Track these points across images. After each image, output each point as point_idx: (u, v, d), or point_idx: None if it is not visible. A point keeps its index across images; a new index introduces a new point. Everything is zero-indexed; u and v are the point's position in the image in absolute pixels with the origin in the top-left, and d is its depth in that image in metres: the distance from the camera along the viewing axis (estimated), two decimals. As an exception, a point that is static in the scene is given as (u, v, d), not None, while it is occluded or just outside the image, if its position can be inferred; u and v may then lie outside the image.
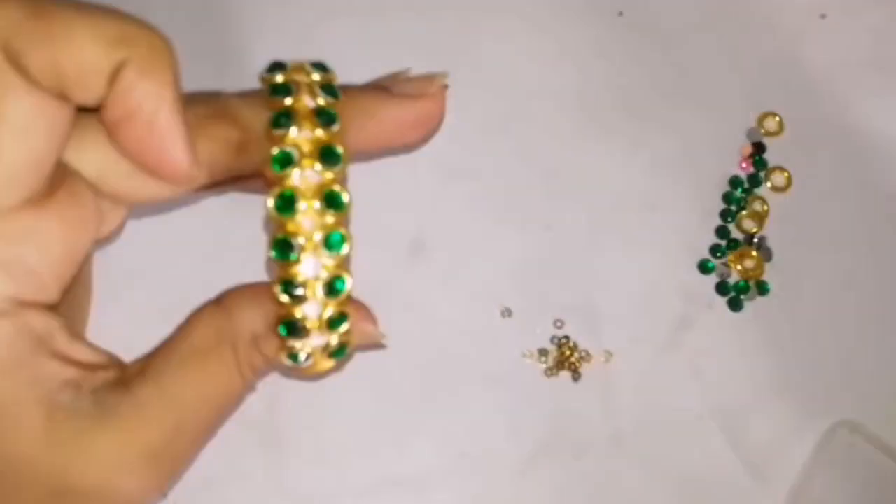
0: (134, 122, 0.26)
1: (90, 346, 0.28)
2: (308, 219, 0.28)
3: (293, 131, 0.28)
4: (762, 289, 0.37)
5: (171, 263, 0.36)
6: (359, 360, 0.36)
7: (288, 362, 0.30)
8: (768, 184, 0.38)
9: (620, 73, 0.39)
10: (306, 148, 0.29)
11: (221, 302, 0.30)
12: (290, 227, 0.28)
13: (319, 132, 0.29)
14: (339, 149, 0.29)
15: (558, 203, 0.38)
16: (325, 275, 0.29)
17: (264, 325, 0.30)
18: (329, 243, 0.29)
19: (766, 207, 0.38)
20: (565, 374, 0.36)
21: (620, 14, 0.40)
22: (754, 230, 0.38)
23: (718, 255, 0.38)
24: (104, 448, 0.27)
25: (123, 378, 0.28)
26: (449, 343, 0.36)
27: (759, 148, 0.38)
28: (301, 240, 0.28)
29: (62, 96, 0.25)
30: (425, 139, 0.34)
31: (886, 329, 0.37)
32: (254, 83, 0.32)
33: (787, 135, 0.39)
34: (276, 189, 0.28)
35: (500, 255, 0.37)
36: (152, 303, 0.35)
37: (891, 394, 0.36)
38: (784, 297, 0.37)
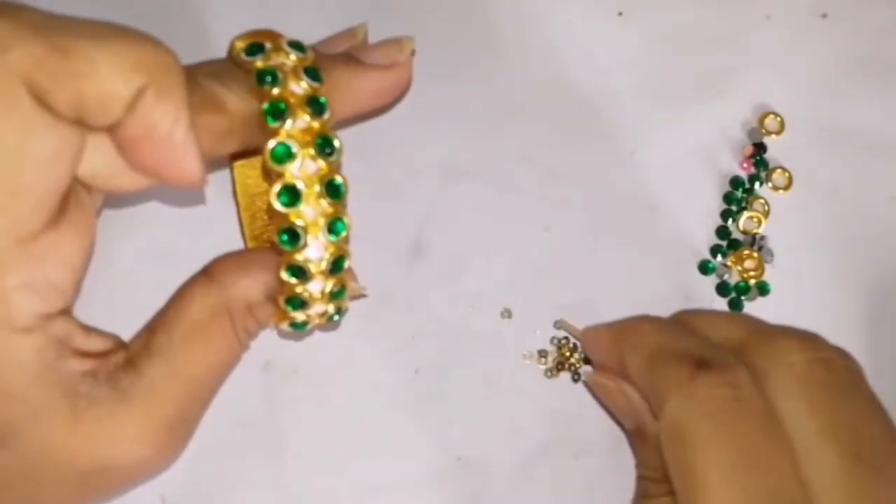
0: (151, 141, 0.27)
1: (98, 334, 0.30)
2: (310, 208, 0.30)
3: (289, 123, 0.29)
4: (763, 289, 0.37)
5: (164, 261, 0.36)
6: (358, 361, 0.36)
7: (290, 330, 0.32)
8: (769, 184, 0.38)
9: (620, 73, 0.39)
10: (302, 139, 0.30)
11: (211, 274, 0.31)
12: (293, 216, 0.30)
13: (313, 121, 0.30)
14: (333, 136, 0.30)
15: (558, 203, 0.38)
16: (328, 256, 0.30)
17: (259, 294, 0.31)
18: (331, 229, 0.30)
19: (766, 208, 0.38)
20: (565, 375, 0.36)
21: (620, 14, 0.40)
22: (755, 230, 0.38)
23: (719, 255, 0.37)
24: (124, 427, 0.29)
25: (130, 358, 0.30)
26: (448, 344, 0.36)
27: (760, 148, 0.38)
28: (302, 224, 0.30)
29: (80, 123, 0.26)
30: (395, 103, 0.36)
31: (887, 330, 0.37)
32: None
33: (788, 135, 0.39)
34: (279, 183, 0.29)
35: (499, 255, 0.37)
36: (151, 307, 0.35)
37: (891, 394, 0.36)
38: (785, 298, 0.37)
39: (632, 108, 0.39)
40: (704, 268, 0.37)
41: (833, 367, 0.29)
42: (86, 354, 0.29)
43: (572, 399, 0.36)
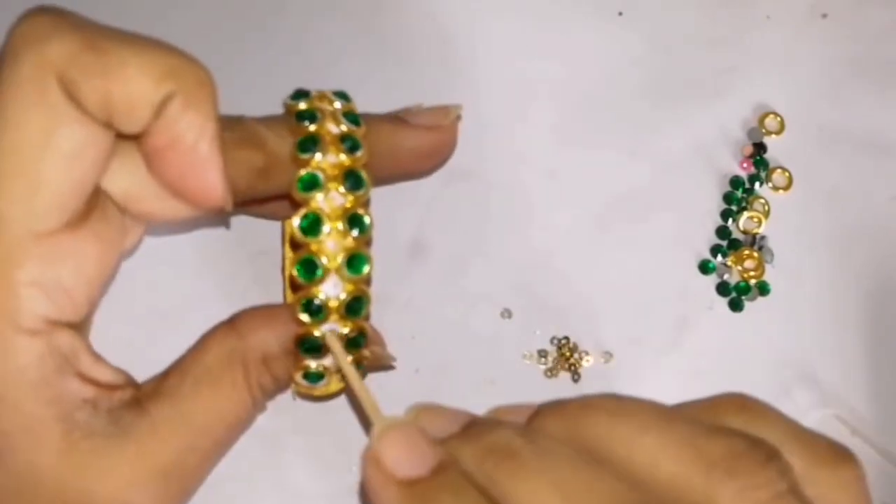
0: (175, 151, 0.27)
1: (108, 366, 0.29)
2: (332, 240, 0.30)
3: (318, 156, 0.30)
4: (763, 289, 0.37)
5: (168, 268, 0.36)
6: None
7: (304, 382, 0.31)
8: (769, 184, 0.38)
9: (620, 73, 0.39)
10: (331, 172, 0.30)
11: (234, 323, 0.31)
12: (314, 247, 0.29)
13: (344, 157, 0.30)
14: (363, 173, 0.30)
15: (558, 203, 0.38)
16: (345, 295, 0.30)
17: (276, 346, 0.30)
18: (352, 265, 0.30)
19: (766, 207, 0.38)
20: (565, 375, 0.36)
21: (620, 14, 0.40)
22: (755, 230, 0.38)
23: (719, 255, 0.37)
24: (118, 466, 0.28)
25: (138, 397, 0.29)
26: (448, 344, 0.36)
27: (760, 148, 0.38)
28: (324, 260, 0.29)
29: (108, 125, 0.26)
30: (437, 167, 0.36)
31: (887, 329, 0.37)
32: (276, 109, 0.32)
33: (788, 135, 0.39)
34: (302, 210, 0.29)
35: (499, 255, 0.37)
36: (150, 307, 0.35)
37: (891, 394, 0.36)
38: (785, 298, 0.37)
39: (632, 107, 0.39)
40: (705, 267, 0.37)
41: None
42: (90, 381, 0.28)
43: (572, 399, 0.36)
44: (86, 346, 0.28)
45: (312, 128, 0.30)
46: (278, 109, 0.32)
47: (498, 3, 0.40)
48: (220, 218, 0.36)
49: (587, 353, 0.36)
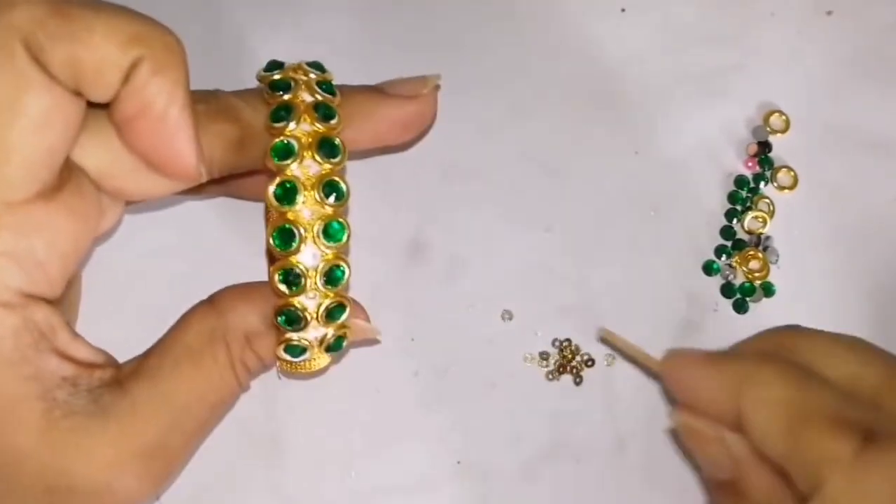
0: (145, 118, 0.27)
1: (88, 344, 0.29)
2: (308, 209, 0.29)
3: (292, 125, 0.29)
4: (768, 290, 0.37)
5: (164, 267, 0.36)
6: (357, 363, 0.36)
7: (286, 356, 0.30)
8: (774, 183, 0.38)
9: (623, 71, 0.39)
10: (305, 140, 0.29)
11: (213, 301, 0.31)
12: (290, 216, 0.29)
13: (318, 125, 0.30)
14: (338, 141, 0.30)
15: (560, 204, 0.37)
16: (323, 264, 0.29)
17: (258, 322, 0.30)
18: (328, 233, 0.29)
19: (771, 207, 0.38)
20: (567, 378, 0.36)
21: (623, 10, 0.40)
22: (760, 230, 0.37)
23: (724, 255, 0.37)
24: (99, 446, 0.28)
25: (119, 377, 0.29)
26: (449, 346, 0.36)
27: (764, 146, 0.38)
28: (301, 229, 0.29)
29: (77, 92, 0.26)
30: (417, 138, 0.36)
31: (893, 330, 0.36)
32: (252, 84, 0.32)
33: (793, 133, 0.38)
34: (277, 179, 0.29)
35: (500, 256, 0.37)
36: (145, 306, 0.35)
37: None
38: (790, 299, 0.37)
39: (635, 106, 0.39)
40: (709, 268, 0.37)
41: None
42: (69, 359, 0.28)
43: (574, 402, 0.36)
44: (63, 322, 0.28)
45: (286, 97, 0.30)
46: None
47: (499, 2, 0.39)
48: (200, 195, 0.36)
49: (589, 356, 0.36)
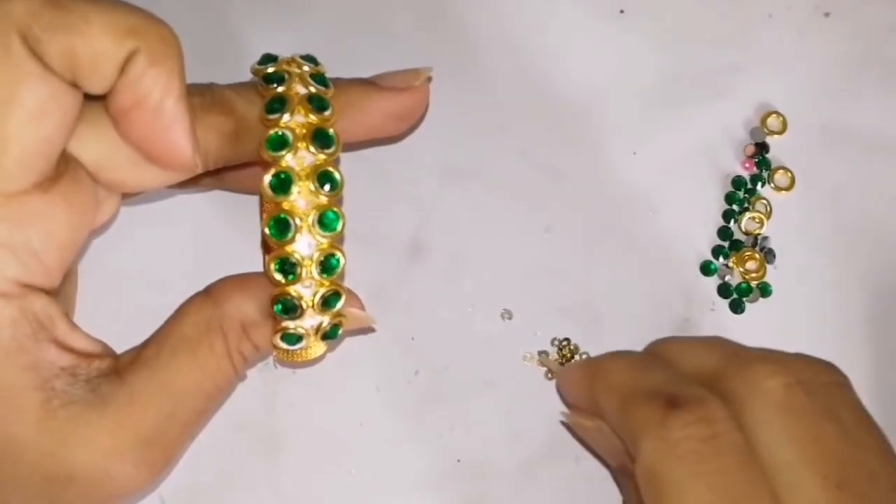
0: (141, 110, 0.27)
1: (86, 335, 0.29)
2: (302, 199, 0.29)
3: (286, 116, 0.30)
4: (765, 291, 0.37)
5: (161, 261, 0.36)
6: (357, 362, 0.36)
7: (282, 344, 0.31)
8: (771, 184, 0.38)
9: (621, 72, 0.39)
10: (300, 131, 0.30)
11: (210, 292, 0.31)
12: (285, 206, 0.29)
13: (312, 117, 0.30)
14: (332, 132, 0.30)
15: (559, 204, 0.37)
16: (318, 253, 0.29)
17: (254, 311, 0.31)
18: (323, 222, 0.30)
19: (768, 208, 0.38)
20: (566, 377, 0.36)
21: (622, 12, 0.40)
22: (757, 231, 0.37)
23: (721, 256, 0.37)
24: (98, 435, 0.28)
25: (117, 368, 0.29)
26: (448, 345, 0.36)
27: (762, 148, 0.38)
28: (296, 219, 0.29)
29: (74, 83, 0.26)
30: (410, 130, 0.36)
31: (890, 331, 0.37)
32: (246, 77, 0.32)
33: (790, 134, 0.39)
34: (272, 170, 0.29)
35: (500, 256, 0.37)
36: (142, 299, 0.35)
37: (894, 396, 0.36)
38: (787, 300, 0.37)
39: (633, 107, 0.39)
40: (706, 269, 0.37)
41: (813, 388, 0.28)
42: (68, 349, 0.28)
43: (573, 401, 0.36)
44: (61, 312, 0.28)
45: (280, 89, 0.30)
46: None
47: (499, 2, 0.39)
48: (195, 189, 0.36)
49: (588, 355, 0.36)
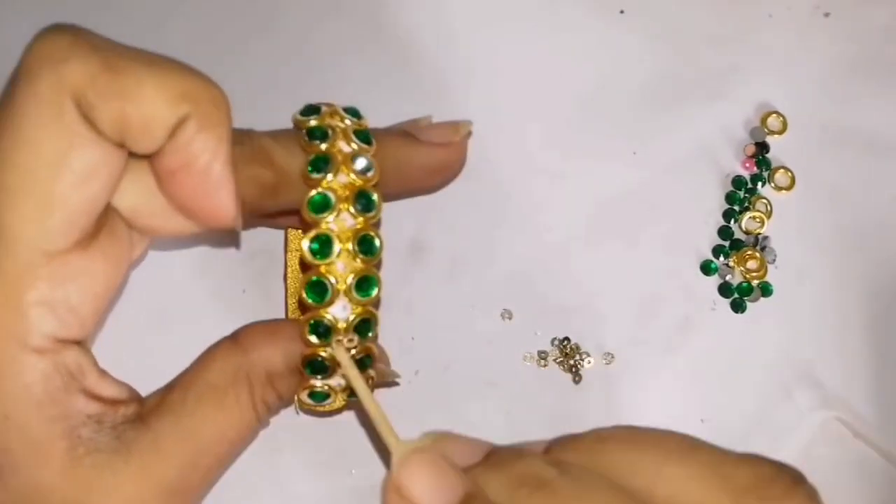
0: (188, 173, 0.27)
1: (113, 380, 0.29)
2: (342, 262, 0.29)
3: (329, 176, 0.29)
4: (765, 290, 0.37)
5: (164, 268, 0.36)
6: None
7: (309, 401, 0.31)
8: (772, 184, 0.38)
9: (622, 72, 0.39)
10: (342, 193, 0.29)
11: (238, 339, 0.31)
12: (324, 269, 0.29)
13: (355, 177, 0.30)
14: (375, 196, 0.30)
15: (559, 203, 0.37)
16: (353, 316, 0.29)
17: (281, 363, 0.30)
18: (361, 286, 0.29)
19: (769, 207, 0.38)
20: (566, 377, 0.36)
21: (622, 12, 0.40)
22: (757, 230, 0.37)
23: (721, 255, 0.37)
24: (122, 483, 0.28)
25: (142, 413, 0.29)
26: (449, 345, 0.36)
27: (762, 147, 0.38)
28: (333, 281, 0.29)
29: (122, 145, 0.26)
30: (446, 183, 0.36)
31: (890, 330, 0.37)
32: (285, 122, 0.32)
33: (790, 134, 0.39)
34: (313, 232, 0.29)
35: (500, 256, 0.37)
36: (146, 306, 0.35)
37: (894, 396, 0.36)
38: (787, 299, 0.37)
39: (633, 107, 0.39)
40: (707, 268, 0.37)
41: None
42: (96, 397, 0.28)
43: (572, 401, 0.36)
44: (91, 361, 0.28)
45: (324, 146, 0.30)
46: (280, 112, 0.31)
47: (499, 3, 0.39)
48: (227, 235, 0.36)
49: (588, 354, 0.36)
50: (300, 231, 0.33)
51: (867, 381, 0.36)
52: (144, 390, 0.30)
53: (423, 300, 0.36)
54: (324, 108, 0.31)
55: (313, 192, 0.29)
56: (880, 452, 0.35)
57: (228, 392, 0.30)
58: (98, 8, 0.38)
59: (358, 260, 0.29)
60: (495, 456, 0.25)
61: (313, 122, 0.30)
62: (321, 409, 0.32)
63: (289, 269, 0.34)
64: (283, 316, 0.35)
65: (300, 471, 0.35)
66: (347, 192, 0.29)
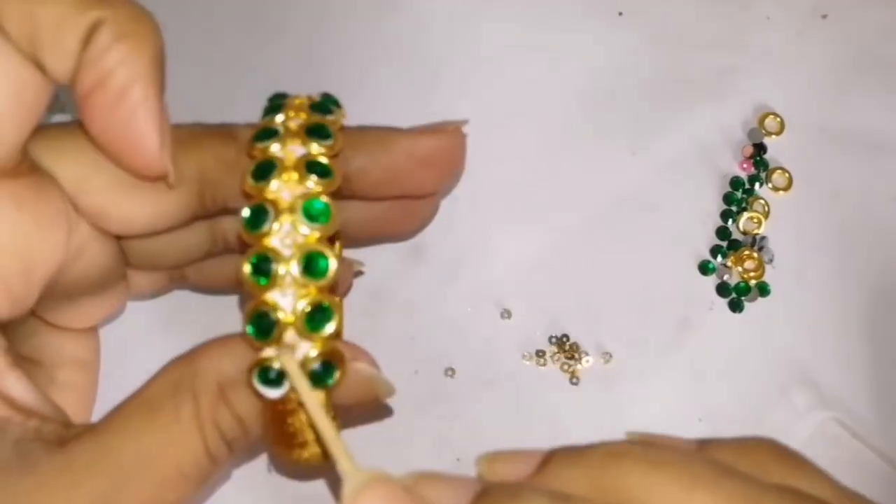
0: (103, 91, 0.23)
1: (34, 389, 0.25)
2: (287, 190, 0.25)
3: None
4: (763, 290, 0.37)
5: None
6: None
7: (259, 386, 0.25)
8: (769, 184, 0.38)
9: (620, 73, 0.39)
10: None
11: (189, 352, 0.26)
12: (267, 193, 0.25)
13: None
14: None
15: (558, 203, 0.38)
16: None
17: (233, 369, 0.25)
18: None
19: (766, 208, 0.38)
20: (565, 376, 0.36)
21: (620, 14, 0.40)
22: (755, 231, 0.38)
23: (719, 256, 0.37)
24: None
25: (64, 437, 0.24)
26: (448, 344, 0.36)
27: (760, 148, 0.38)
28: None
29: (36, 61, 0.23)
30: (442, 180, 0.31)
31: (888, 331, 0.37)
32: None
33: (788, 135, 0.39)
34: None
35: (499, 255, 0.37)
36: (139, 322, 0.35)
37: (892, 396, 0.36)
38: (785, 299, 0.37)
39: (632, 107, 0.39)
40: (704, 268, 0.37)
41: None
42: (2, 396, 0.24)
43: (572, 400, 0.36)
44: (4, 349, 0.24)
45: (278, 119, 0.27)
46: None
47: (498, 3, 0.40)
48: (188, 286, 0.33)
49: (587, 354, 0.36)
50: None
51: (865, 381, 0.36)
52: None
53: (422, 299, 0.36)
54: (286, 101, 0.28)
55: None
56: (878, 453, 0.35)
57: (165, 406, 0.24)
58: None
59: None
60: (487, 497, 0.22)
61: (275, 100, 0.28)
62: (294, 456, 0.26)
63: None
64: None
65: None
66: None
